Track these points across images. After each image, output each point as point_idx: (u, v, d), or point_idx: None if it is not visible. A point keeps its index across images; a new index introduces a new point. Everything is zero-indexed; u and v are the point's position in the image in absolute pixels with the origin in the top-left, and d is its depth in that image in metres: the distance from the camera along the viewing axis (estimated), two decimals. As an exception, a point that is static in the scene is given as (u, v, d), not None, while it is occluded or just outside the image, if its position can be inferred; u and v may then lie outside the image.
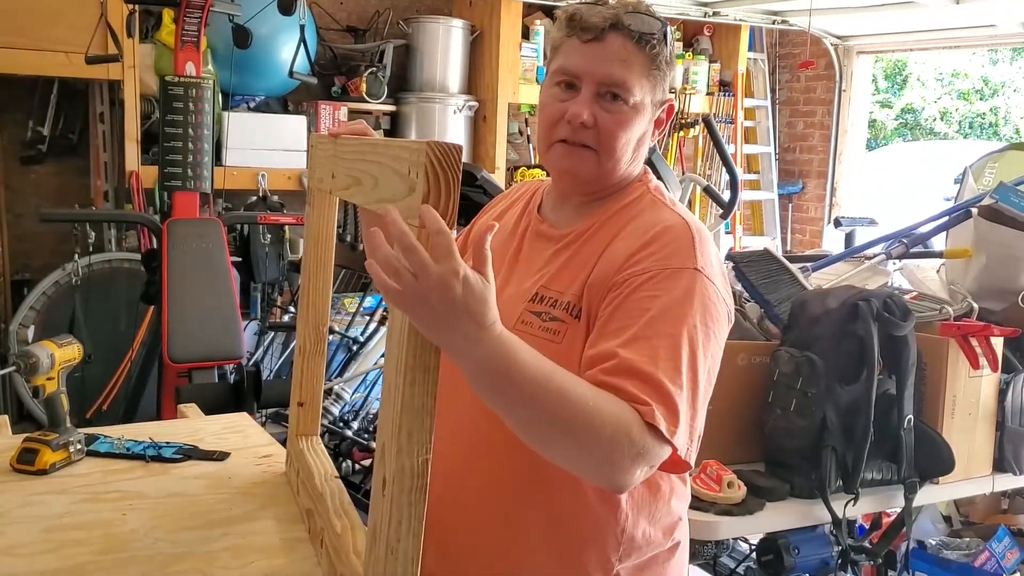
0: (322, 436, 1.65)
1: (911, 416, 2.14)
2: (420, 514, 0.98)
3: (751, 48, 6.25)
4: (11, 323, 4.17)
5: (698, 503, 1.97)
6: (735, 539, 2.79)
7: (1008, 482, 2.42)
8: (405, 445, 0.96)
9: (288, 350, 4.43)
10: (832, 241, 5.58)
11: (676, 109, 5.75)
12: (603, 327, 1.19)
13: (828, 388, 2.06)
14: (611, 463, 1.06)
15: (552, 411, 1.03)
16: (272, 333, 4.46)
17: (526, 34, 5.23)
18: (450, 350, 0.98)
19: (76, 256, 4.06)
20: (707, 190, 4.05)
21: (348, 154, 1.28)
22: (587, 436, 1.04)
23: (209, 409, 2.19)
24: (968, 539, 2.87)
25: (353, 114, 4.82)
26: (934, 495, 2.35)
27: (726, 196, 4.28)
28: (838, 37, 6.02)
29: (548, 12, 5.37)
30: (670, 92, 1.35)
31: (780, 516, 2.06)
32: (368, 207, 1.14)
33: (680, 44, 5.98)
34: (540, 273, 1.33)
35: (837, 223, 4.22)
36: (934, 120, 11.73)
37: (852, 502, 2.08)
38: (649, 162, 3.25)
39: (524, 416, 1.05)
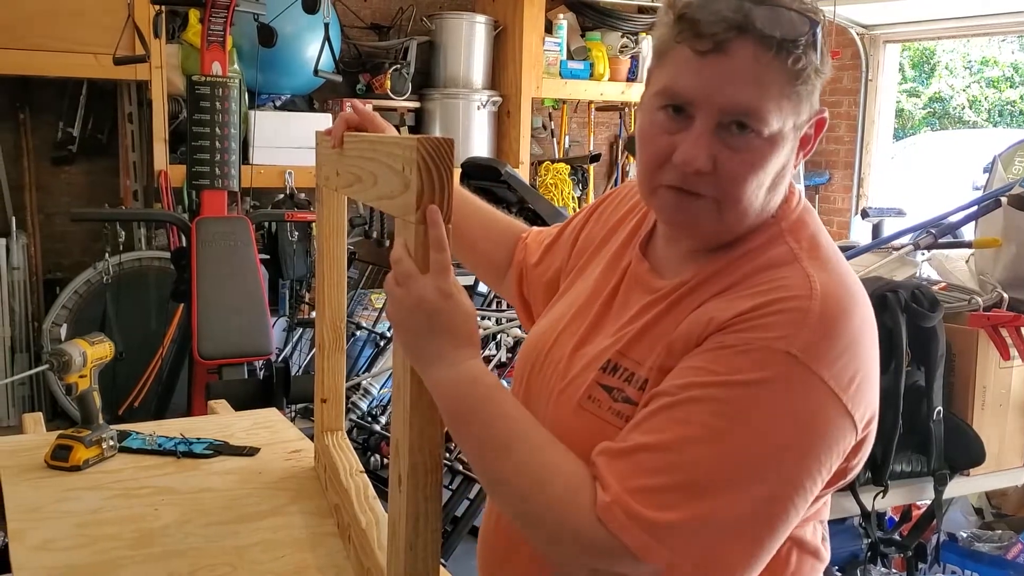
0: (351, 431, 1.67)
1: (940, 407, 2.12)
2: (436, 510, 0.99)
3: (776, 38, 6.19)
4: (44, 322, 4.24)
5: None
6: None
7: (1040, 474, 2.40)
8: (416, 442, 0.97)
9: (316, 346, 4.46)
10: (859, 232, 5.53)
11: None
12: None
13: (856, 380, 2.04)
14: (553, 547, 0.93)
15: (502, 465, 0.95)
16: (300, 329, 4.49)
17: (549, 28, 5.21)
18: (423, 365, 0.96)
19: (107, 255, 4.10)
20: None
21: (350, 151, 1.29)
22: (531, 497, 0.92)
23: (239, 405, 2.22)
24: (1000, 531, 2.84)
25: (378, 111, 4.82)
26: (965, 487, 2.33)
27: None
28: (864, 26, 5.95)
29: (571, 5, 5.35)
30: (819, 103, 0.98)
31: (808, 509, 2.05)
32: (370, 204, 1.15)
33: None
34: (622, 332, 1.04)
35: (864, 214, 4.18)
36: (963, 108, 11.59)
37: (881, 494, 2.07)
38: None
39: (475, 460, 0.98)
